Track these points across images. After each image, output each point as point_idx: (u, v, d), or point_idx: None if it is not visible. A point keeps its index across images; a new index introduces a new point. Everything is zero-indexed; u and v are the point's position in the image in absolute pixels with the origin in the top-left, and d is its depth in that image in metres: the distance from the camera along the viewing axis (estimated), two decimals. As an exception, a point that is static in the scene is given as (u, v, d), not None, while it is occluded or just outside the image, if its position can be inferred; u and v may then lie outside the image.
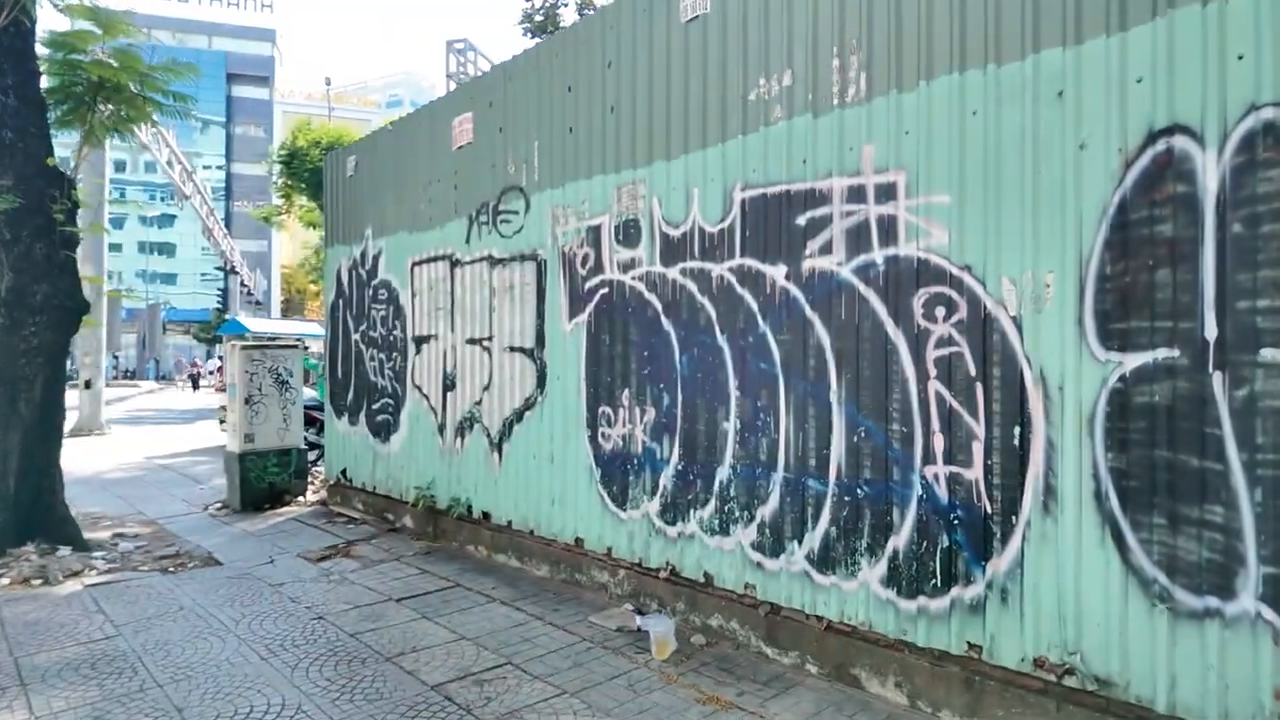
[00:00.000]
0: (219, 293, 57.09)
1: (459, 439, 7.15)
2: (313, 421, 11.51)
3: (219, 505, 9.46)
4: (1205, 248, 2.99)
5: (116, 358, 52.84)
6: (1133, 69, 3.17)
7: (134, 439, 17.75)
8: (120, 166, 74.57)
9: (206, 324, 63.39)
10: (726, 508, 4.74)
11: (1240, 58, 2.91)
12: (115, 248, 73.61)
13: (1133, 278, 3.17)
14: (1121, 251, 3.20)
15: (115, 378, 50.03)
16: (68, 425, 20.94)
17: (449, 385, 7.30)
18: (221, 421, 15.30)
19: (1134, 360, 3.16)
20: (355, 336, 8.87)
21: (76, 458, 13.32)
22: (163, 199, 73.38)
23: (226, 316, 42.41)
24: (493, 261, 6.74)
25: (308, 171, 37.80)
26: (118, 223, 74.14)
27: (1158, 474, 3.10)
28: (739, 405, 4.68)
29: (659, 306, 5.21)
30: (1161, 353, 3.09)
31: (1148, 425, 3.13)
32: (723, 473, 4.77)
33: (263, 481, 9.45)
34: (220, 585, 6.12)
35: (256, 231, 73.05)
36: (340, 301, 9.23)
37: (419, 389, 7.74)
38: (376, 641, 4.88)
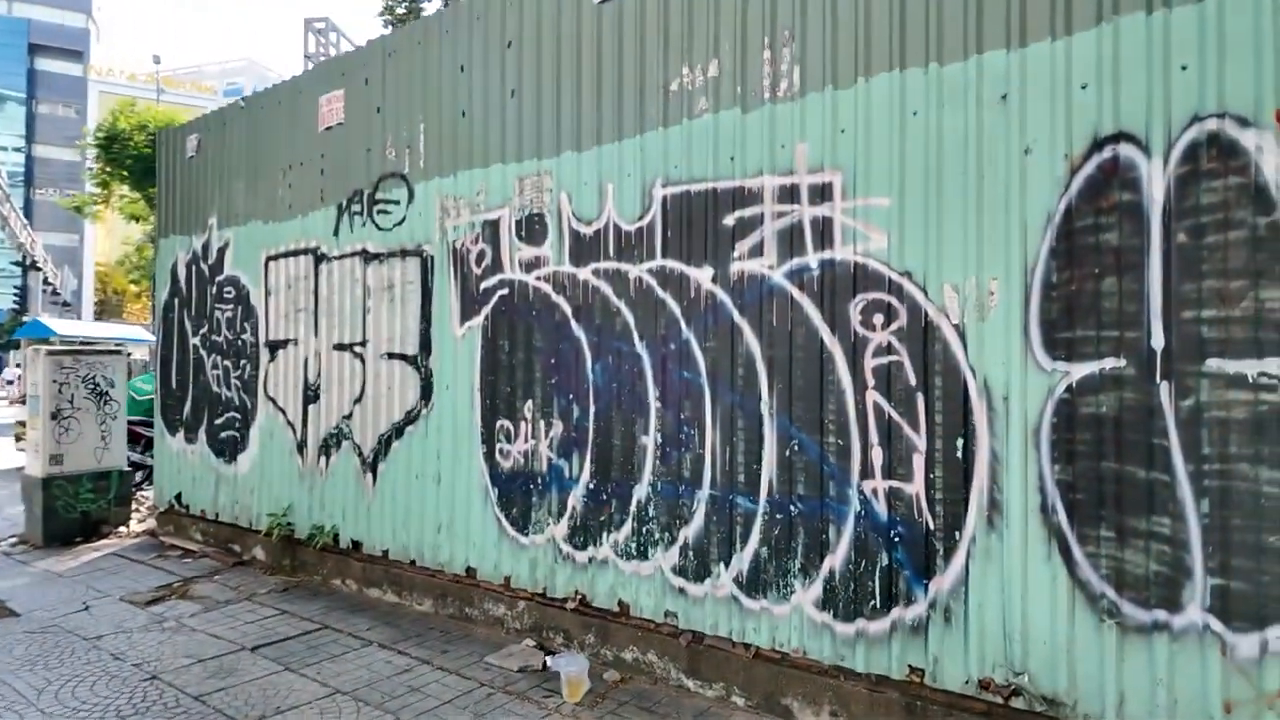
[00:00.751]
0: (16, 291, 50.00)
1: (323, 458, 6.32)
2: (138, 439, 10.02)
3: (14, 540, 7.91)
4: (1151, 257, 2.98)
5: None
6: (1078, 74, 3.13)
7: (-102, 462, 14.83)
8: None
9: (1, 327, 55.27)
10: (645, 529, 4.37)
11: (1184, 68, 2.92)
12: (-123, 236, 62.93)
13: (1079, 286, 3.12)
14: (1068, 259, 3.15)
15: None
16: None
17: (311, 397, 6.45)
18: (19, 439, 13.09)
19: (1080, 370, 3.11)
20: (195, 340, 7.72)
21: None
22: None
23: (25, 318, 37.08)
24: (367, 256, 6.01)
25: (130, 158, 33.95)
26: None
27: (1105, 486, 3.05)
28: (660, 418, 4.32)
29: (568, 310, 4.76)
30: (1108, 362, 3.05)
31: (1094, 436, 3.08)
32: (641, 491, 4.39)
33: (73, 510, 8.01)
34: (17, 643, 4.97)
35: (66, 224, 64.73)
36: (176, 300, 8.01)
37: (273, 401, 6.80)
38: (230, 704, 4.08)
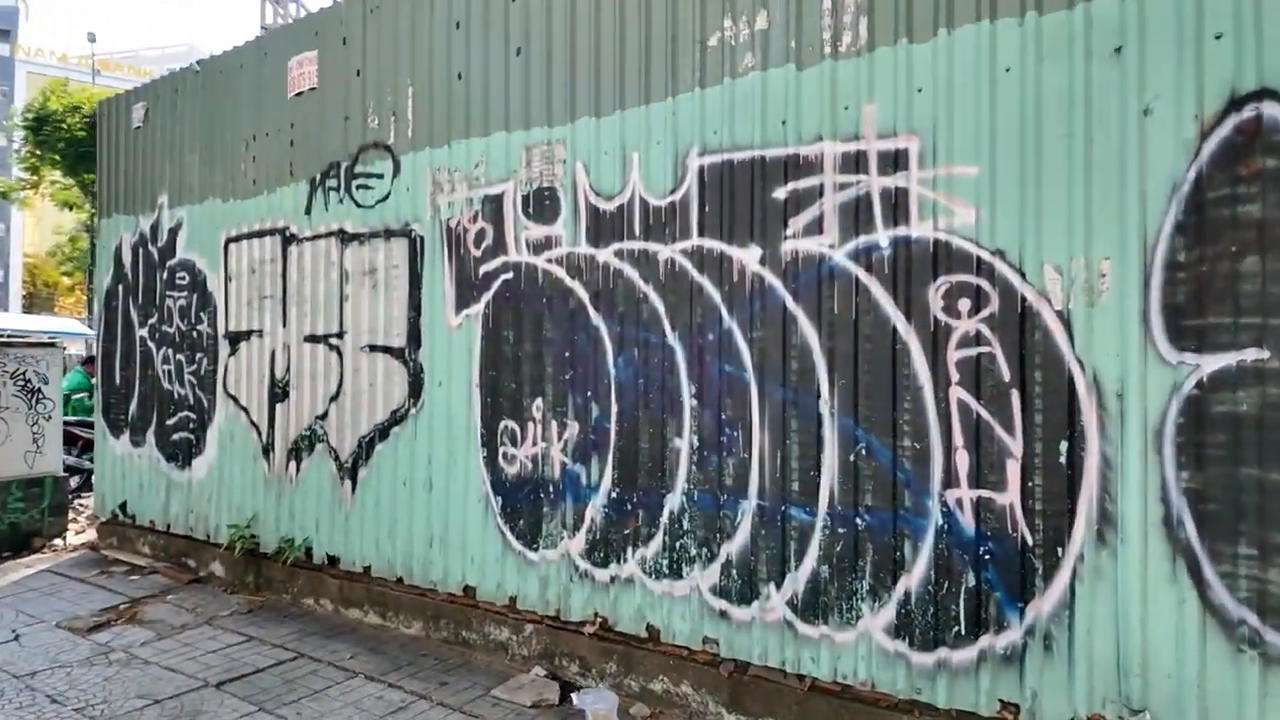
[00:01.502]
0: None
1: (293, 463, 5.65)
2: (74, 440, 9.11)
3: (-70, 557, 7.02)
4: (1303, 232, 2.58)
5: None
6: (1211, 22, 2.72)
7: None
8: None
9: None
10: (679, 544, 3.85)
11: (1345, 14, 2.53)
12: None
13: (1212, 266, 2.71)
14: (1198, 235, 2.74)
15: None
16: None
17: (279, 395, 5.76)
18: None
19: (1214, 363, 2.70)
20: (142, 332, 6.92)
21: None
22: None
23: (-54, 310, 34.78)
24: (345, 237, 5.36)
25: (63, 142, 31.98)
26: None
27: (1244, 496, 2.65)
28: (696, 418, 3.81)
29: (585, 296, 4.22)
30: (1249, 354, 2.65)
31: (1230, 439, 2.67)
32: (673, 501, 3.88)
33: (0, 522, 7.15)
34: (-70, 686, 4.23)
35: (-10, 211, 61.24)
36: (120, 287, 7.19)
37: (234, 399, 6.09)
38: (195, 760, 3.45)
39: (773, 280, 3.59)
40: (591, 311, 4.19)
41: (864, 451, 3.35)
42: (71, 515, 8.12)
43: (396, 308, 5.05)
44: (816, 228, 3.48)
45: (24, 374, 7.39)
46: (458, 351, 4.76)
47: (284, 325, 5.74)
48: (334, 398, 5.39)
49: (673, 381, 3.89)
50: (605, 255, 4.15)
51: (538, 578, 4.36)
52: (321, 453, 5.45)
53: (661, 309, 3.94)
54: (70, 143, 31.91)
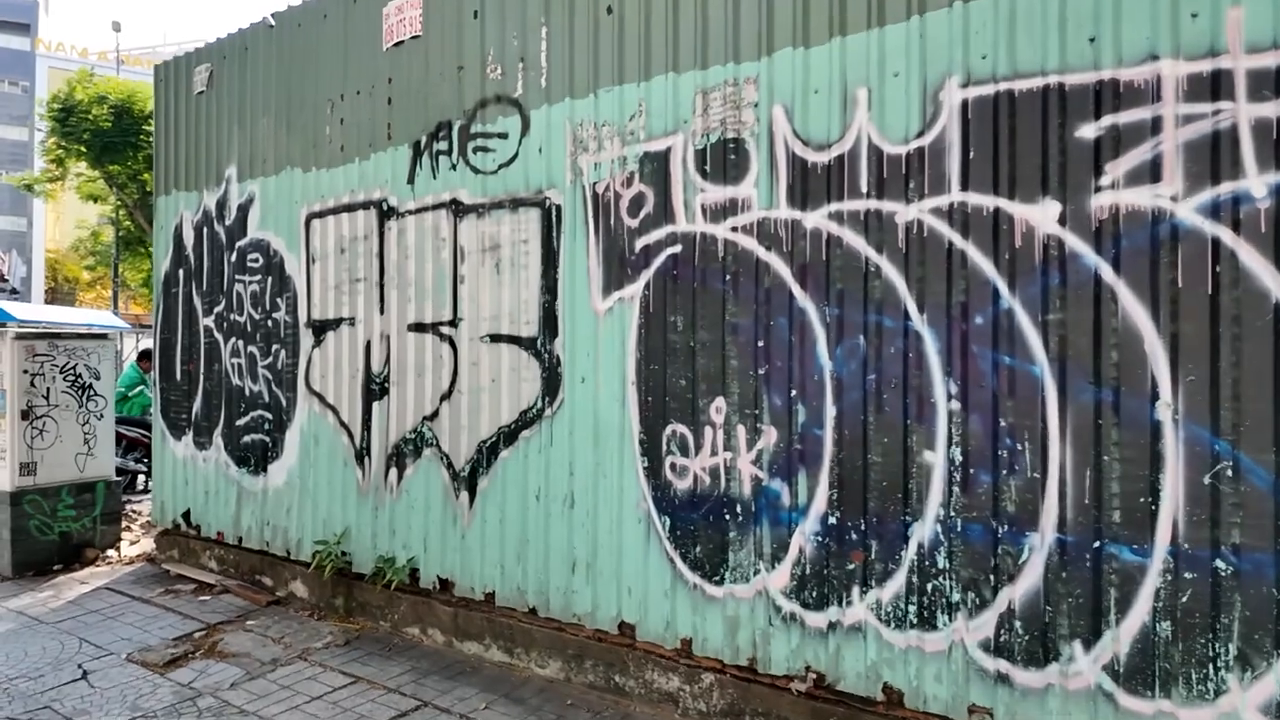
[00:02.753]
0: (-38, 277, 47.12)
1: (393, 471, 4.88)
2: (119, 440, 8.44)
3: (-23, 571, 6.35)
4: None
5: None
6: None
7: None
8: None
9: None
10: (931, 586, 3.04)
11: None
12: None
13: None
14: None
15: None
16: None
17: (376, 392, 5.00)
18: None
19: None
20: (207, 321, 6.18)
21: None
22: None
23: (-26, 304, 34.47)
24: (460, 209, 4.57)
25: (88, 133, 31.58)
26: None
27: None
28: (957, 424, 2.99)
29: (787, 272, 3.40)
30: None
31: None
32: (923, 531, 3.06)
33: (50, 531, 6.46)
34: (-8, 747, 3.51)
35: (13, 207, 61.32)
36: (181, 272, 6.45)
37: (319, 397, 5.33)
38: None
39: (1078, 245, 2.76)
40: (796, 290, 3.37)
41: (1229, 472, 2.51)
42: (125, 523, 7.42)
43: (526, 290, 4.26)
44: (1149, 174, 2.64)
45: (74, 368, 6.68)
46: (607, 342, 3.96)
47: (381, 312, 4.96)
48: (446, 396, 4.62)
49: (920, 378, 3.07)
50: (815, 220, 3.33)
51: (723, 618, 3.56)
52: (430, 459, 4.68)
53: (901, 286, 3.12)
54: (96, 134, 31.49)
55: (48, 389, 6.49)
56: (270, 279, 5.69)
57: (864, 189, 3.21)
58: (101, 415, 6.86)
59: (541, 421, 4.20)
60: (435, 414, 4.67)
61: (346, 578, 5.10)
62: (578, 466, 4.05)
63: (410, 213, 4.82)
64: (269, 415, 5.67)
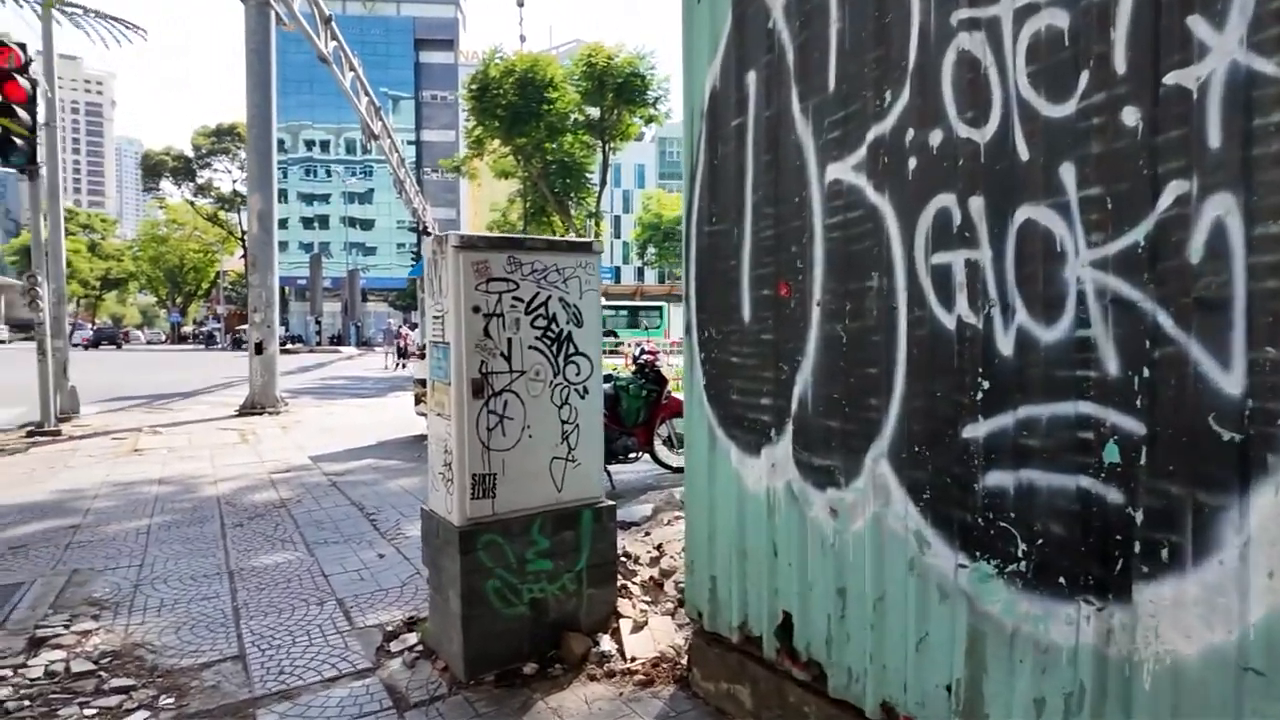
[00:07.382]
0: (413, 255, 56.04)
1: None
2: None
3: (414, 648, 3.65)
4: None
5: (319, 322, 53.21)
6: None
7: (310, 420, 13.17)
8: (324, 146, 76.37)
9: (403, 291, 62.67)
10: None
11: None
12: (322, 222, 75.92)
13: None
14: None
15: (319, 343, 50.22)
16: (237, 401, 15.66)
17: None
18: (419, 401, 10.01)
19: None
20: (819, 214, 2.53)
21: (218, 452, 8.29)
22: (357, 175, 74.54)
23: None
24: None
25: (500, 108, 33.12)
26: (317, 198, 76.58)
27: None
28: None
29: None
30: None
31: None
32: None
33: (517, 601, 3.52)
34: None
35: (445, 199, 72.18)
36: (712, 176, 2.92)
37: None
38: None
39: None
40: None
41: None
42: (621, 587, 4.34)
43: None
44: None
45: (545, 304, 3.65)
46: None
47: None
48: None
49: None
50: None
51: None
52: None
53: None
54: (506, 107, 32.92)
55: (508, 341, 3.52)
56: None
57: None
58: (584, 388, 3.78)
59: None
60: None
61: None
62: None
63: None
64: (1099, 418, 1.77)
